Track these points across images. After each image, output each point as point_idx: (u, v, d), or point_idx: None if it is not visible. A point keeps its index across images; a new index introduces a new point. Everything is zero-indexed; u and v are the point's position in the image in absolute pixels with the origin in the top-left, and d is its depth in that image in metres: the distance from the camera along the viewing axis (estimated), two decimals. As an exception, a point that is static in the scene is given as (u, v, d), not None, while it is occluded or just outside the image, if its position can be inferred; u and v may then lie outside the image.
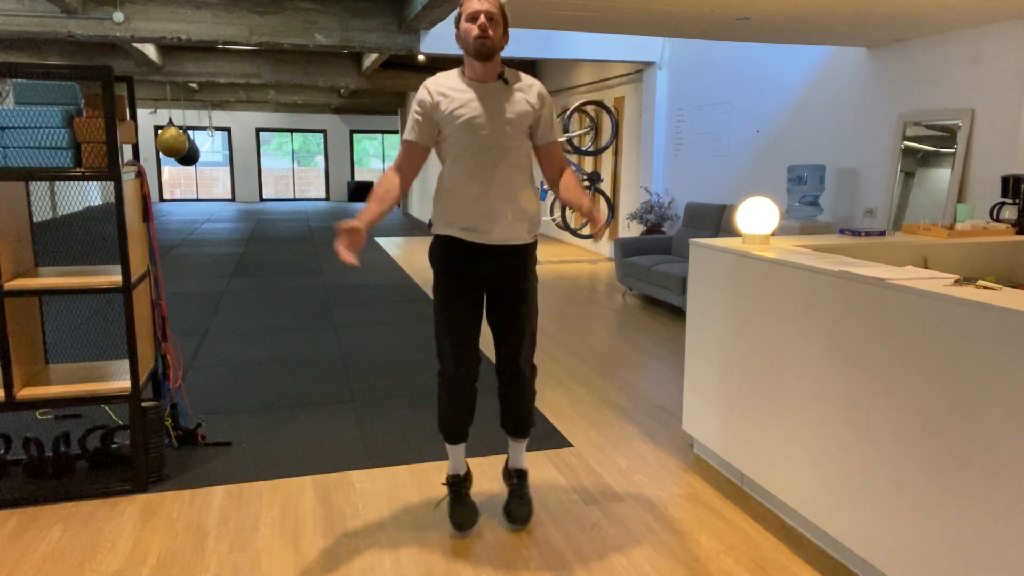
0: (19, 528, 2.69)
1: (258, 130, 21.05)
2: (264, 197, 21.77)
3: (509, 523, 2.70)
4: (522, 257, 2.53)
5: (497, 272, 2.50)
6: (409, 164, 2.47)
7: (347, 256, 2.20)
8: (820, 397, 2.50)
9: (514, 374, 2.60)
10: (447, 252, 2.49)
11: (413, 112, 2.43)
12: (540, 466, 3.23)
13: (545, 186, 9.55)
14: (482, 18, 2.31)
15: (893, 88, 5.21)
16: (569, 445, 3.46)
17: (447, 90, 2.40)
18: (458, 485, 2.69)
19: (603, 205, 9.62)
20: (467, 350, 2.52)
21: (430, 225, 2.55)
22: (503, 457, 3.32)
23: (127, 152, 9.63)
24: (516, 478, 2.76)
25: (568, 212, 10.41)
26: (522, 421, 2.69)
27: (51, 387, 2.98)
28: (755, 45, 6.72)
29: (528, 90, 2.45)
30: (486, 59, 2.35)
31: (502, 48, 2.39)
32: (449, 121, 2.38)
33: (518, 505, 2.70)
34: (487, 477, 3.12)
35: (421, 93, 2.43)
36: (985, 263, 3.37)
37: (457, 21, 2.38)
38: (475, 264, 2.48)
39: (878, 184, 5.37)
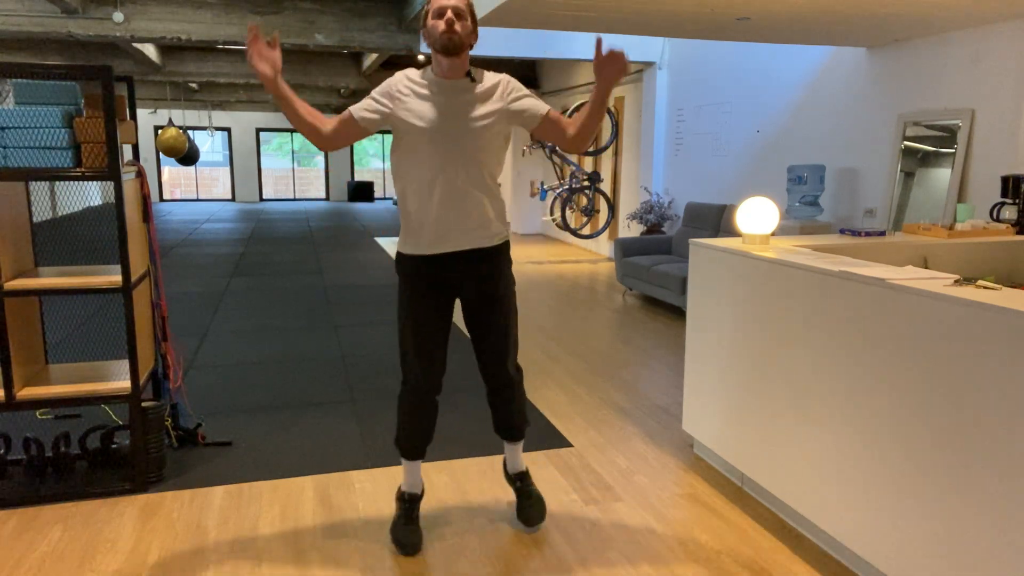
0: (19, 528, 2.69)
1: (258, 130, 21.05)
2: (264, 197, 21.77)
3: (525, 527, 2.68)
4: (494, 262, 2.46)
5: (469, 282, 2.44)
6: (338, 131, 2.35)
7: (259, 62, 2.16)
8: (820, 397, 2.50)
9: (501, 380, 2.56)
10: (414, 266, 2.43)
11: (373, 95, 2.36)
12: (540, 466, 3.23)
13: (545, 186, 9.55)
14: (449, 13, 2.26)
15: (893, 88, 5.21)
16: (569, 445, 3.46)
17: (413, 86, 2.34)
18: (412, 504, 2.61)
19: (603, 205, 9.62)
20: (433, 361, 2.46)
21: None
22: (503, 457, 3.32)
23: (127, 152, 9.62)
24: (520, 481, 2.73)
25: (568, 212, 10.42)
26: (516, 424, 2.65)
27: (51, 387, 2.98)
28: (755, 45, 6.72)
29: (495, 86, 2.39)
30: (453, 55, 2.29)
31: (471, 45, 2.34)
32: (409, 117, 2.32)
33: (529, 506, 2.68)
34: (487, 478, 3.12)
35: (391, 79, 2.37)
36: (985, 263, 3.37)
37: (424, 18, 2.33)
38: (444, 277, 2.42)
39: (878, 184, 5.37)
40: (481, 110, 2.35)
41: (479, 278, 2.45)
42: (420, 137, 2.32)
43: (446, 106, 2.33)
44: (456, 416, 3.78)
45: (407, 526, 2.58)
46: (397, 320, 2.50)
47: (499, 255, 2.48)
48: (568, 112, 9.05)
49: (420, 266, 2.42)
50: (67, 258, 8.64)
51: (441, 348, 2.48)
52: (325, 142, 2.36)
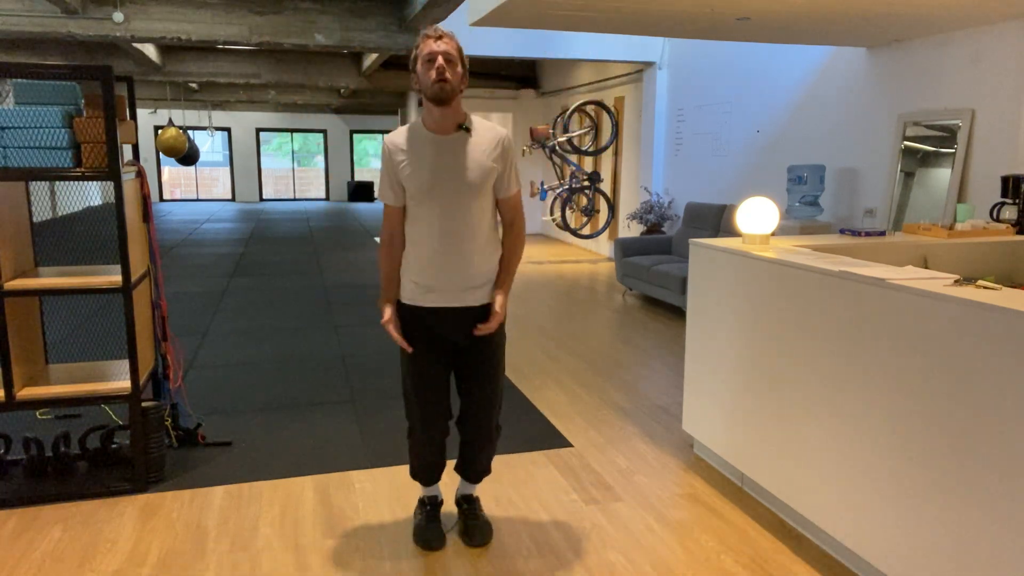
0: (19, 528, 2.69)
1: (258, 130, 21.04)
2: (264, 197, 21.76)
3: (468, 545, 2.59)
4: (488, 318, 2.44)
5: (463, 334, 2.42)
6: (397, 225, 2.41)
7: (405, 343, 2.39)
8: (821, 397, 2.50)
9: (479, 433, 2.52)
10: (412, 318, 2.41)
11: (382, 172, 2.39)
12: (540, 466, 3.23)
13: (545, 186, 9.55)
14: (440, 60, 2.21)
15: (893, 88, 5.21)
16: (569, 445, 3.46)
17: (404, 145, 2.32)
18: (434, 507, 2.64)
19: (603, 205, 9.62)
20: (436, 410, 2.45)
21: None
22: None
23: (127, 152, 9.62)
24: (467, 504, 2.68)
25: (568, 212, 10.42)
26: (479, 472, 2.63)
27: (51, 387, 2.98)
28: (755, 45, 6.72)
29: (491, 142, 2.35)
30: (445, 104, 2.25)
31: (461, 91, 2.29)
32: (406, 179, 2.31)
33: (474, 528, 2.60)
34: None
35: (383, 150, 2.37)
36: (985, 263, 3.37)
37: (414, 64, 2.28)
38: (440, 327, 2.41)
39: (878, 184, 5.37)
40: (478, 164, 2.31)
41: (475, 334, 2.43)
42: (415, 190, 2.30)
43: (440, 158, 2.30)
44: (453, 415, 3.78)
45: (431, 525, 2.58)
46: (401, 368, 2.50)
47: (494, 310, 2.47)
48: (568, 112, 9.05)
49: (417, 316, 2.41)
50: (67, 258, 8.65)
51: (444, 397, 2.47)
52: (397, 243, 2.42)
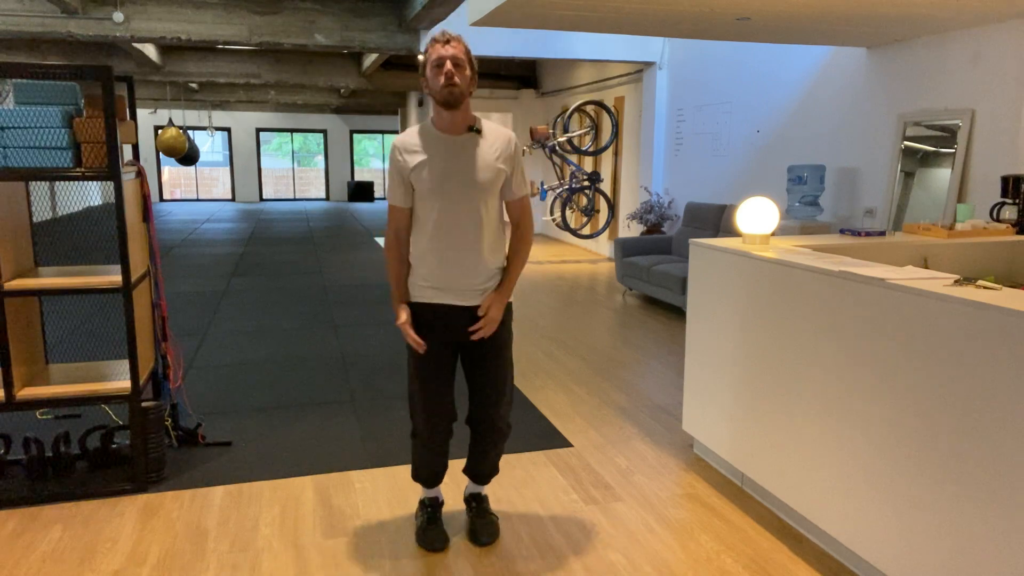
0: (19, 528, 2.69)
1: (258, 130, 21.04)
2: (264, 197, 21.76)
3: (476, 545, 2.60)
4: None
5: (469, 334, 2.42)
6: (404, 227, 2.42)
7: (419, 342, 2.37)
8: (820, 397, 2.50)
9: (490, 430, 2.52)
10: (421, 316, 2.42)
11: (390, 173, 2.40)
12: (540, 466, 3.23)
13: (545, 186, 9.55)
14: (448, 64, 2.23)
15: (893, 88, 5.21)
16: (569, 445, 3.46)
17: (414, 146, 2.34)
18: (435, 508, 2.64)
19: (603, 205, 9.62)
20: (440, 411, 2.44)
21: None
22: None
23: (127, 152, 9.62)
24: (476, 502, 2.69)
25: (568, 212, 10.42)
26: (487, 472, 2.64)
27: (51, 387, 2.98)
28: (755, 45, 6.72)
29: (500, 145, 2.38)
30: (454, 107, 2.27)
31: (470, 94, 2.31)
32: (417, 178, 2.32)
33: (481, 526, 2.62)
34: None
35: (391, 152, 2.38)
36: (985, 263, 3.37)
37: (423, 68, 2.30)
38: (450, 326, 2.41)
39: (878, 184, 5.38)
40: (487, 165, 2.34)
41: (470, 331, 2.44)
42: (426, 190, 2.32)
43: (451, 159, 2.32)
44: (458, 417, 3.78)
45: (432, 527, 2.58)
46: (407, 368, 2.50)
47: (505, 308, 2.47)
48: (568, 112, 9.05)
49: (425, 314, 2.41)
50: (67, 258, 8.64)
51: (448, 397, 2.46)
52: (403, 244, 2.43)
